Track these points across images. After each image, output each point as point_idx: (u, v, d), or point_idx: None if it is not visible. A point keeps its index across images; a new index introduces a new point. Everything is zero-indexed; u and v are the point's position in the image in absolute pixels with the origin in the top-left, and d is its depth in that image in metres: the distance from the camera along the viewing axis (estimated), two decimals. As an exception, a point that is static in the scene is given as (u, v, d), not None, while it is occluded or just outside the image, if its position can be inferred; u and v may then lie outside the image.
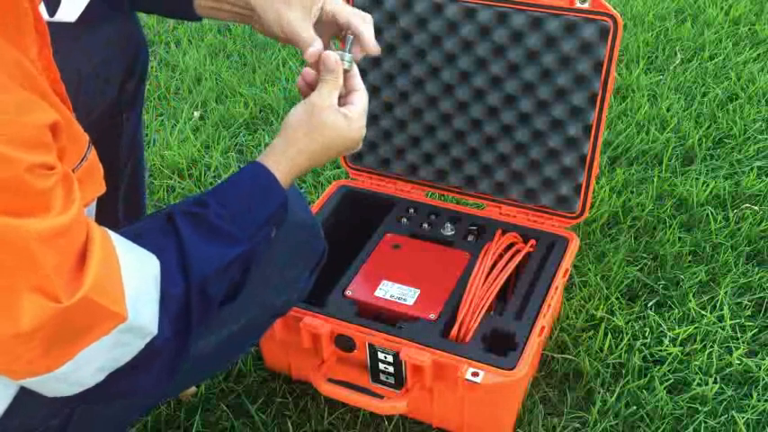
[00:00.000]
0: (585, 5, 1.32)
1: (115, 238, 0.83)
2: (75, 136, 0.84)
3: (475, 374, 1.19)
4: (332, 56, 1.01)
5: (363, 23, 1.07)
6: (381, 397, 1.27)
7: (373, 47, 1.07)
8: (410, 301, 1.33)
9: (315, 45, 1.03)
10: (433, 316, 1.30)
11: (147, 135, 2.17)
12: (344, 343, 1.28)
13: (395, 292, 1.35)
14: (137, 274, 0.83)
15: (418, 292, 1.35)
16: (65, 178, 0.76)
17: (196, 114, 2.28)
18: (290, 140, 0.99)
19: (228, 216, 0.91)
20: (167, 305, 0.85)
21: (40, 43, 0.81)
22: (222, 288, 0.91)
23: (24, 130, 0.70)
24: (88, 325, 0.78)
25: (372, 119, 1.56)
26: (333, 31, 1.10)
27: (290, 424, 1.38)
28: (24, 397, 0.88)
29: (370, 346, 1.26)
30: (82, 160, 0.85)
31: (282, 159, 0.98)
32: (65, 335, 0.76)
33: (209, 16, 1.15)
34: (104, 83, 1.21)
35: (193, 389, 1.44)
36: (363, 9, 1.44)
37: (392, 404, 1.26)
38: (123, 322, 0.80)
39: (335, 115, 1.00)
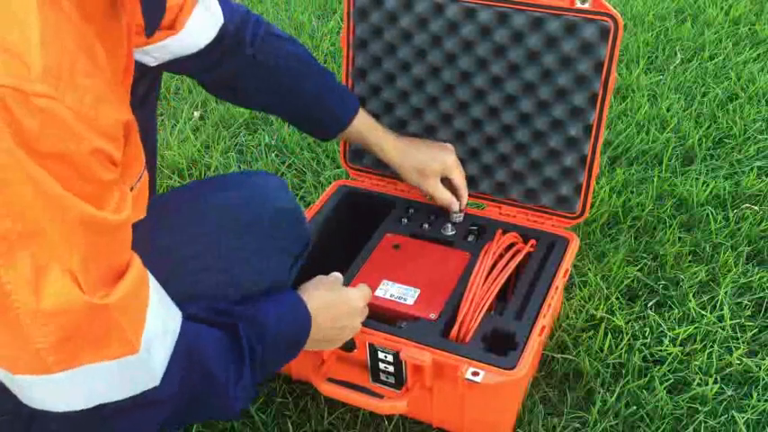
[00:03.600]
0: (586, 6, 1.32)
1: (152, 279, 0.86)
2: (137, 153, 0.87)
3: (475, 374, 1.19)
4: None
5: (465, 192, 1.49)
6: (381, 397, 1.27)
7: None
8: (410, 301, 1.33)
9: (456, 206, 1.48)
10: (433, 316, 1.30)
11: (147, 135, 2.17)
12: (345, 343, 1.28)
13: (395, 292, 1.35)
14: (160, 321, 0.85)
15: (418, 291, 1.35)
16: (121, 186, 0.79)
17: (196, 114, 2.28)
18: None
19: (261, 364, 1.01)
20: (176, 360, 0.88)
21: (124, 77, 0.88)
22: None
23: (99, 115, 0.74)
24: (100, 340, 0.78)
25: (374, 118, 1.56)
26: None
27: (289, 424, 1.38)
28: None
29: (371, 345, 1.26)
30: (138, 179, 0.88)
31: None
32: (77, 337, 0.76)
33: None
34: None
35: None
36: (364, 9, 1.46)
37: (392, 404, 1.26)
38: (133, 354, 0.81)
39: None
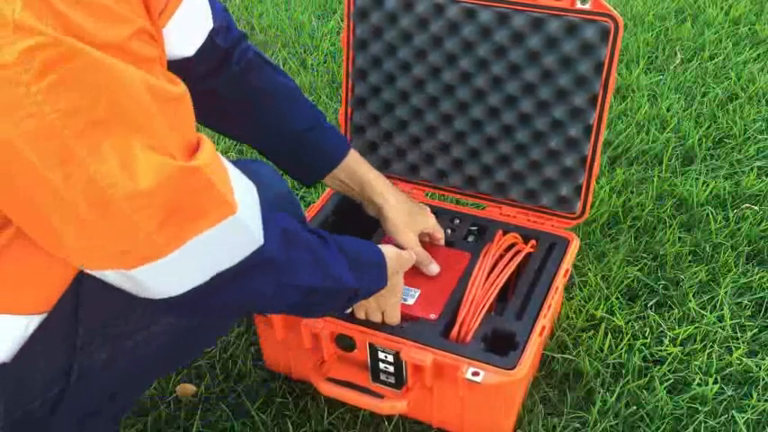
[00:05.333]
0: (586, 6, 1.32)
1: (223, 157, 0.87)
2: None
3: (475, 374, 1.19)
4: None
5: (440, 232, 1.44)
6: (381, 397, 1.27)
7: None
8: (410, 301, 1.34)
9: (433, 267, 1.39)
10: (433, 316, 1.31)
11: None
12: (345, 342, 1.28)
13: (395, 292, 1.35)
14: (243, 185, 0.86)
15: (419, 292, 1.35)
16: (164, 62, 0.80)
17: (196, 114, 2.28)
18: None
19: (356, 262, 1.07)
20: (271, 226, 0.90)
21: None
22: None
23: None
24: (199, 209, 0.79)
25: (374, 119, 1.56)
26: None
27: (289, 424, 1.38)
28: (23, 370, 0.88)
29: (371, 345, 1.26)
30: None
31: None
32: (179, 211, 0.77)
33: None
34: None
35: (193, 388, 1.44)
36: (364, 10, 1.46)
37: (392, 404, 1.26)
38: (233, 213, 0.82)
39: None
